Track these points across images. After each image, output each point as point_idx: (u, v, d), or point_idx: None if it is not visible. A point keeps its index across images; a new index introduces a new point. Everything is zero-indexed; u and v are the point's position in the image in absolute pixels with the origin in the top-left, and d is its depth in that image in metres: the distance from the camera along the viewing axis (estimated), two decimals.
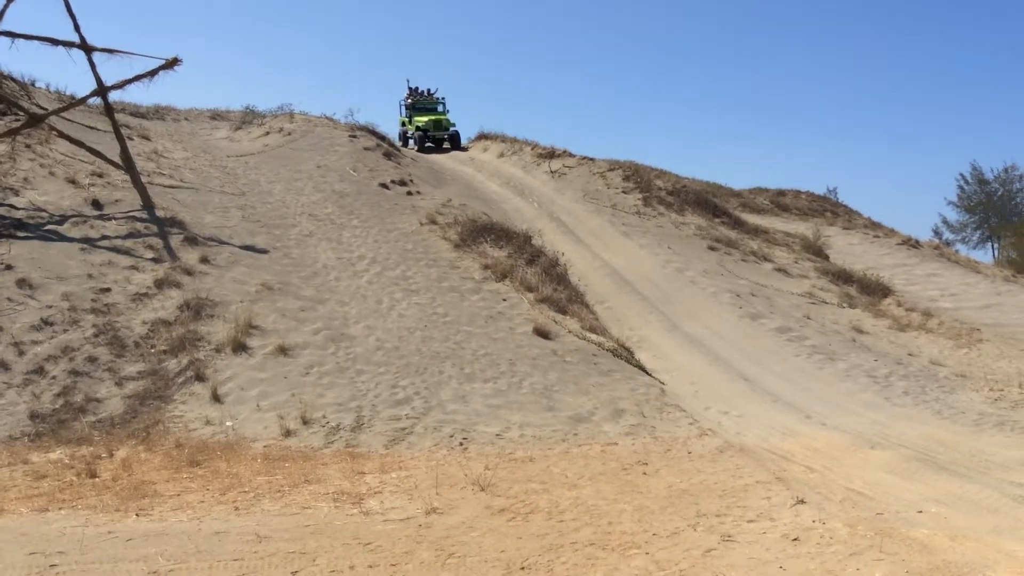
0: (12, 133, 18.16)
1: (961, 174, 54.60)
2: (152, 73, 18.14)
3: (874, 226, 31.58)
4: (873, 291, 20.82)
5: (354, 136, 26.82)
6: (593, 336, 15.00)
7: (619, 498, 8.63)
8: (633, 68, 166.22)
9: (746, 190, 34.34)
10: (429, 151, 34.03)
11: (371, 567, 6.80)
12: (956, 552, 6.95)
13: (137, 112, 28.61)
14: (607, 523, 7.84)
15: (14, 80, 23.03)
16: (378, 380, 12.52)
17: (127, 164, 18.11)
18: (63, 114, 20.26)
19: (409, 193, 22.49)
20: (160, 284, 14.51)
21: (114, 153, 18.32)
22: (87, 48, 17.72)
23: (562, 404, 12.32)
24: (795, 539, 7.30)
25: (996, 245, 49.14)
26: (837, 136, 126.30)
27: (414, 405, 11.87)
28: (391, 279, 16.41)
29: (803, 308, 18.47)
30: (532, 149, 31.63)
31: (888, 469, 9.88)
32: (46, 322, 12.96)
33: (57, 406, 11.40)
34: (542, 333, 14.63)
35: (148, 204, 17.46)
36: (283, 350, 13.03)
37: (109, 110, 18.78)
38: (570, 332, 14.92)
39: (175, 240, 16.24)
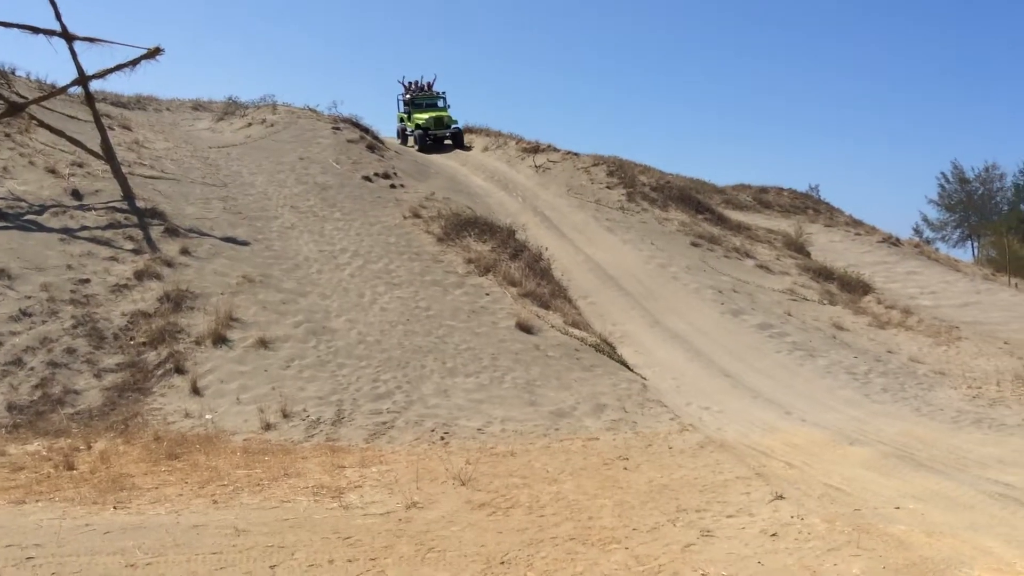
0: None
1: (942, 173, 55.15)
2: (134, 63, 18.01)
3: (855, 224, 31.81)
4: (853, 288, 20.97)
5: (337, 128, 26.70)
6: (576, 331, 15.01)
7: (600, 493, 8.65)
8: (619, 64, 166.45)
9: (729, 187, 34.52)
10: (430, 150, 32.41)
11: (350, 561, 6.78)
12: (933, 548, 7.00)
13: (118, 102, 28.40)
14: (587, 518, 7.86)
15: None
16: (359, 374, 12.48)
17: (107, 154, 17.96)
18: (43, 103, 20.04)
19: (392, 186, 22.43)
20: (140, 275, 14.40)
21: (95, 143, 18.16)
22: (68, 37, 17.55)
23: (544, 399, 12.33)
24: (773, 534, 7.34)
25: (976, 244, 49.61)
26: (820, 134, 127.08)
27: (395, 399, 11.84)
28: (374, 272, 16.36)
29: (784, 305, 18.55)
30: (516, 143, 31.65)
31: (866, 465, 9.94)
32: (24, 313, 12.83)
33: (35, 398, 11.30)
34: (525, 328, 14.63)
35: (128, 195, 17.33)
36: (264, 343, 12.97)
37: (90, 99, 18.60)
38: (553, 327, 14.93)
39: (155, 231, 16.13)
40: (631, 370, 13.95)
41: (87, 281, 13.97)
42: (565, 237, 22.13)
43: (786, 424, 12.05)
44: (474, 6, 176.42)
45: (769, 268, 21.63)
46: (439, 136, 33.29)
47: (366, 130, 28.03)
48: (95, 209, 16.55)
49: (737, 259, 21.95)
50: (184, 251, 15.52)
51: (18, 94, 21.21)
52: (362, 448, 10.39)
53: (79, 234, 15.46)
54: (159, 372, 12.14)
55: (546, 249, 19.82)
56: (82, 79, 18.10)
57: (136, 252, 15.19)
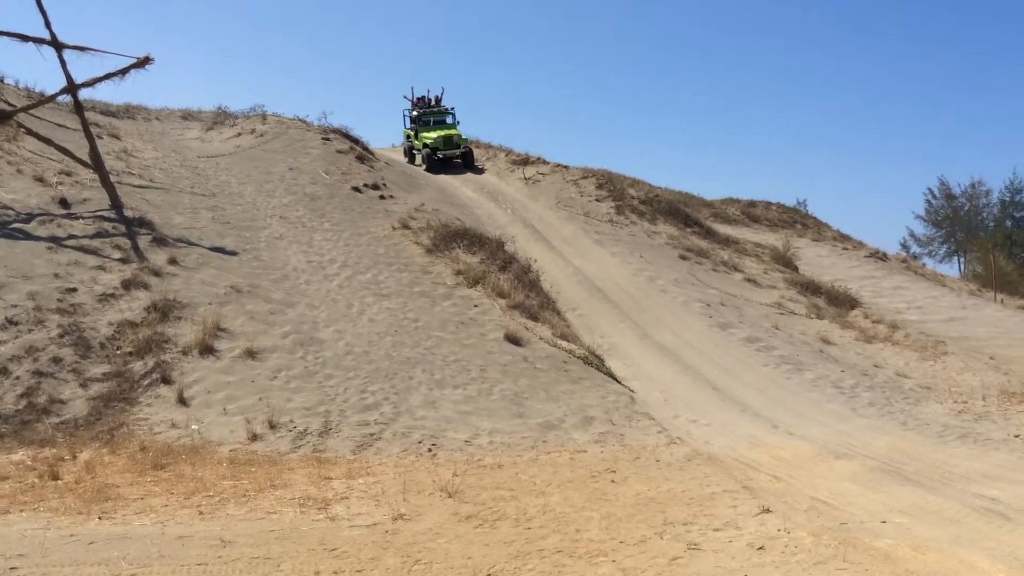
0: None
1: (929, 188, 55.44)
2: (123, 71, 17.98)
3: (843, 238, 31.97)
4: (841, 303, 21.07)
5: (327, 139, 26.70)
6: (564, 343, 15.02)
7: (587, 506, 8.64)
8: (608, 77, 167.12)
9: (718, 201, 34.67)
10: (438, 171, 30.20)
11: (336, 573, 6.76)
12: (918, 562, 7.03)
13: (107, 111, 28.28)
14: (574, 530, 7.85)
15: None
16: (347, 385, 12.45)
17: (96, 163, 17.91)
18: (32, 111, 19.98)
19: (382, 197, 22.43)
20: (127, 285, 14.34)
21: (83, 152, 18.11)
22: (58, 45, 17.52)
23: (532, 411, 12.33)
24: (760, 548, 7.35)
25: (962, 259, 49.85)
26: (808, 148, 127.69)
27: (383, 410, 11.82)
28: (362, 283, 16.35)
29: (772, 318, 18.62)
30: (506, 156, 31.71)
31: (853, 479, 9.97)
32: (11, 321, 12.76)
33: (20, 407, 11.23)
34: (513, 340, 14.63)
35: (117, 204, 17.28)
36: (251, 353, 12.92)
37: (79, 108, 18.56)
38: (541, 339, 14.93)
39: (143, 241, 16.08)
40: (619, 383, 13.97)
41: (74, 290, 13.91)
42: (554, 249, 22.17)
43: (773, 437, 12.08)
44: (464, 20, 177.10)
45: (757, 282, 21.71)
46: (448, 156, 31.01)
47: (356, 141, 28.05)
48: (83, 218, 16.49)
49: (725, 272, 22.03)
50: (172, 261, 15.47)
51: (7, 102, 21.15)
52: (349, 459, 10.36)
53: (66, 243, 15.40)
54: (145, 382, 12.08)
55: (535, 261, 19.85)
56: (71, 87, 18.06)
57: (123, 261, 15.13)
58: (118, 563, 6.76)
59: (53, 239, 15.39)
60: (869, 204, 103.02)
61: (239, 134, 27.53)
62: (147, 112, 31.11)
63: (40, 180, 17.73)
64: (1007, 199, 51.59)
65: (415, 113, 33.34)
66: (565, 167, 29.32)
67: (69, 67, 17.74)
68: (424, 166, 30.96)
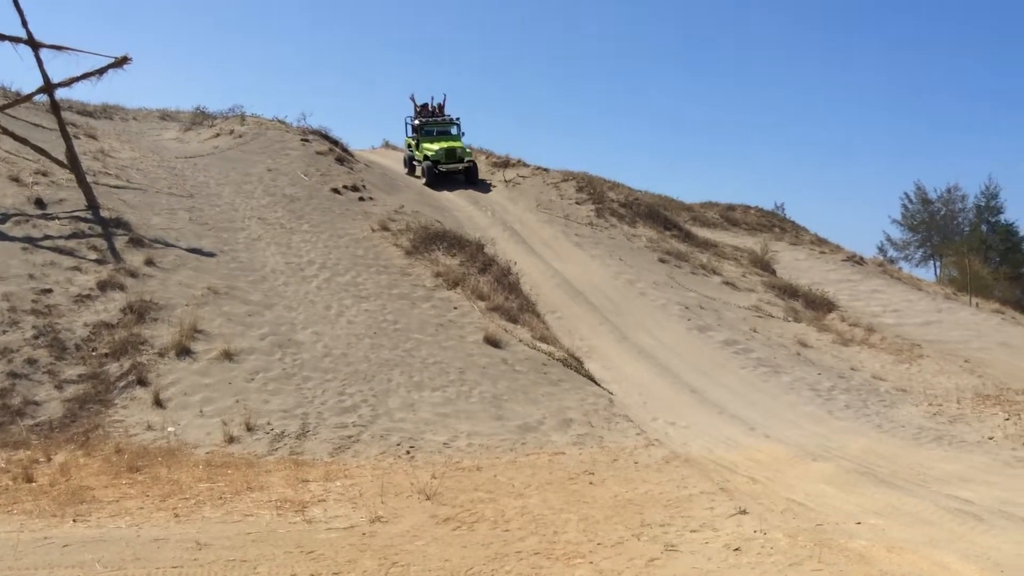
0: None
1: (905, 193, 55.78)
2: (101, 71, 17.85)
3: (820, 242, 32.15)
4: (818, 306, 21.20)
5: (306, 140, 26.58)
6: (543, 345, 15.04)
7: (565, 507, 8.66)
8: (589, 80, 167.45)
9: (697, 204, 34.74)
10: (438, 185, 27.87)
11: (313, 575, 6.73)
12: (893, 563, 7.10)
13: (84, 111, 28.04)
14: (552, 532, 7.87)
15: None
16: (325, 387, 12.41)
17: (72, 163, 17.76)
18: (8, 111, 19.76)
19: (361, 199, 22.37)
20: (103, 286, 14.23)
21: (60, 152, 17.94)
22: (34, 44, 17.36)
23: (511, 413, 12.33)
24: (736, 549, 7.40)
25: (938, 263, 50.28)
26: (786, 152, 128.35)
27: (361, 413, 11.79)
28: (341, 285, 16.30)
29: (750, 321, 18.72)
30: (487, 158, 31.67)
31: (829, 481, 10.05)
32: None
33: None
34: (493, 342, 14.63)
35: (93, 204, 17.15)
36: (228, 355, 12.85)
37: (55, 108, 18.39)
38: (521, 341, 14.95)
39: (120, 241, 15.96)
40: (598, 385, 14.00)
41: (49, 291, 13.78)
42: (534, 252, 22.19)
43: (750, 440, 12.15)
44: (442, 20, 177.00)
45: (735, 285, 21.82)
46: (450, 170, 28.38)
47: (335, 142, 27.92)
48: (59, 218, 16.35)
49: (704, 276, 22.12)
50: (149, 262, 15.36)
51: None
52: (326, 462, 10.33)
53: (42, 243, 15.26)
54: (121, 384, 11.99)
55: (515, 264, 19.84)
56: (48, 87, 17.90)
57: (100, 262, 15.01)
58: (93, 566, 6.71)
59: (28, 239, 15.25)
60: (846, 208, 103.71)
61: (217, 135, 27.35)
62: (125, 112, 30.85)
63: (16, 180, 17.56)
64: (982, 204, 52.10)
65: (417, 122, 30.53)
66: (545, 170, 29.33)
67: (46, 66, 17.60)
68: (424, 179, 28.58)
